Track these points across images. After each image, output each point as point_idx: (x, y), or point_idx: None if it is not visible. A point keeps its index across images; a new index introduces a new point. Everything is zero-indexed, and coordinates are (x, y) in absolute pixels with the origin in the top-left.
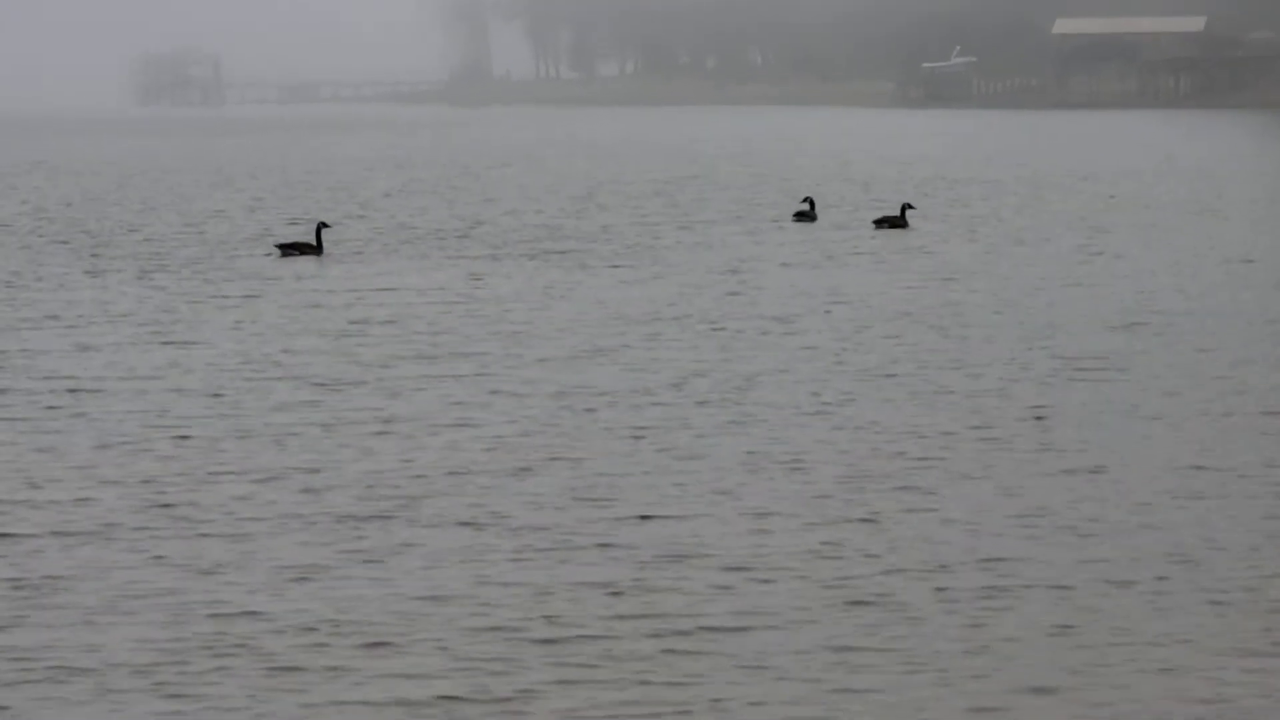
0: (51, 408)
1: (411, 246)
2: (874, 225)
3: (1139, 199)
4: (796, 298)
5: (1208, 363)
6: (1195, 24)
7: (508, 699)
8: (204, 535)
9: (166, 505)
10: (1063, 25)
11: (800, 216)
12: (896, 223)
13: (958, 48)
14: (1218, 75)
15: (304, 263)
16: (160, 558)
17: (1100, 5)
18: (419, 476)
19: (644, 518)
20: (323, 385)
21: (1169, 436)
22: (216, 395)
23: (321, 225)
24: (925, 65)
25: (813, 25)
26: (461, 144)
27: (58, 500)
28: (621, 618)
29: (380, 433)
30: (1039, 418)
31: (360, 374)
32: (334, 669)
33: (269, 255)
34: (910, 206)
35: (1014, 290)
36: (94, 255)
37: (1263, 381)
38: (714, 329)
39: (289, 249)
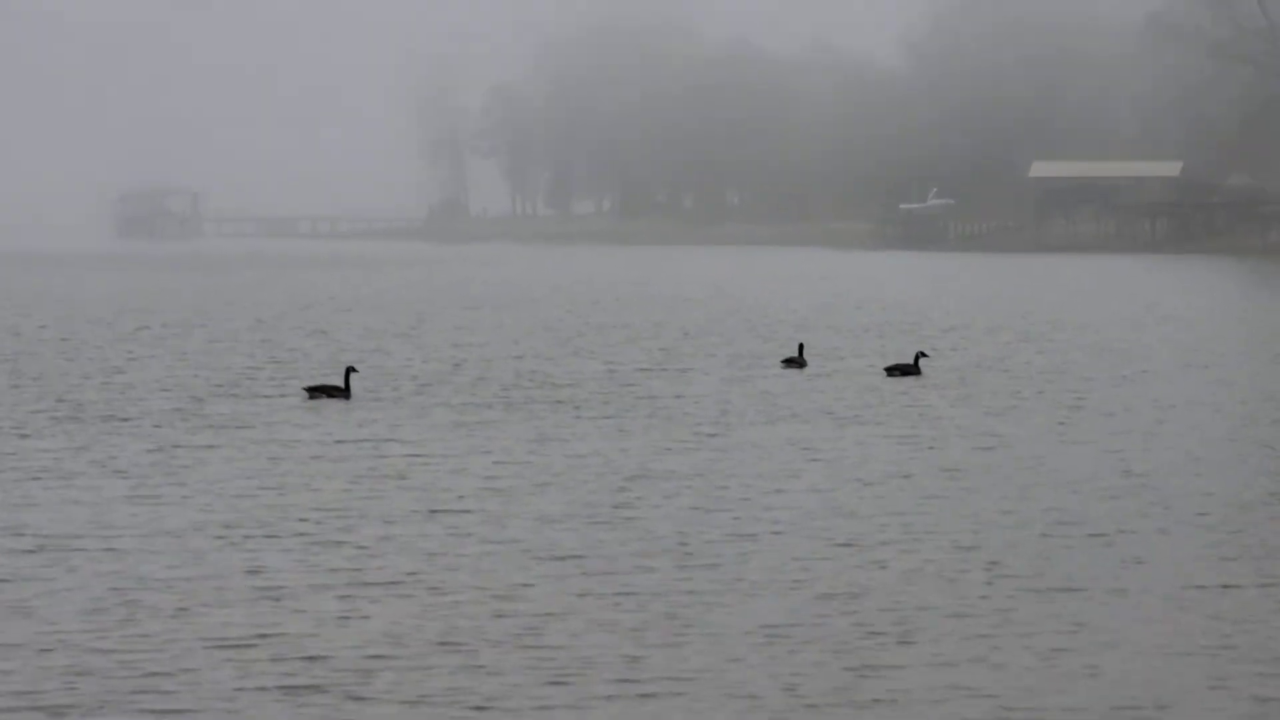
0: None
1: (392, 390)
2: (886, 372)
3: (1126, 348)
4: (793, 450)
5: (1205, 529)
6: (1172, 169)
7: None
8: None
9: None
10: (1040, 168)
11: (789, 363)
12: (909, 370)
13: (934, 189)
14: (1194, 220)
15: (333, 406)
16: None
17: (1077, 149)
18: (405, 646)
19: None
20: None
21: (1162, 610)
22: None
23: (350, 369)
24: (902, 206)
25: (790, 166)
26: (439, 283)
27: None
28: None
29: (383, 593)
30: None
31: (355, 527)
32: None
33: (295, 397)
34: (924, 355)
35: (1018, 447)
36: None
37: (1261, 546)
38: (717, 488)
39: (317, 391)
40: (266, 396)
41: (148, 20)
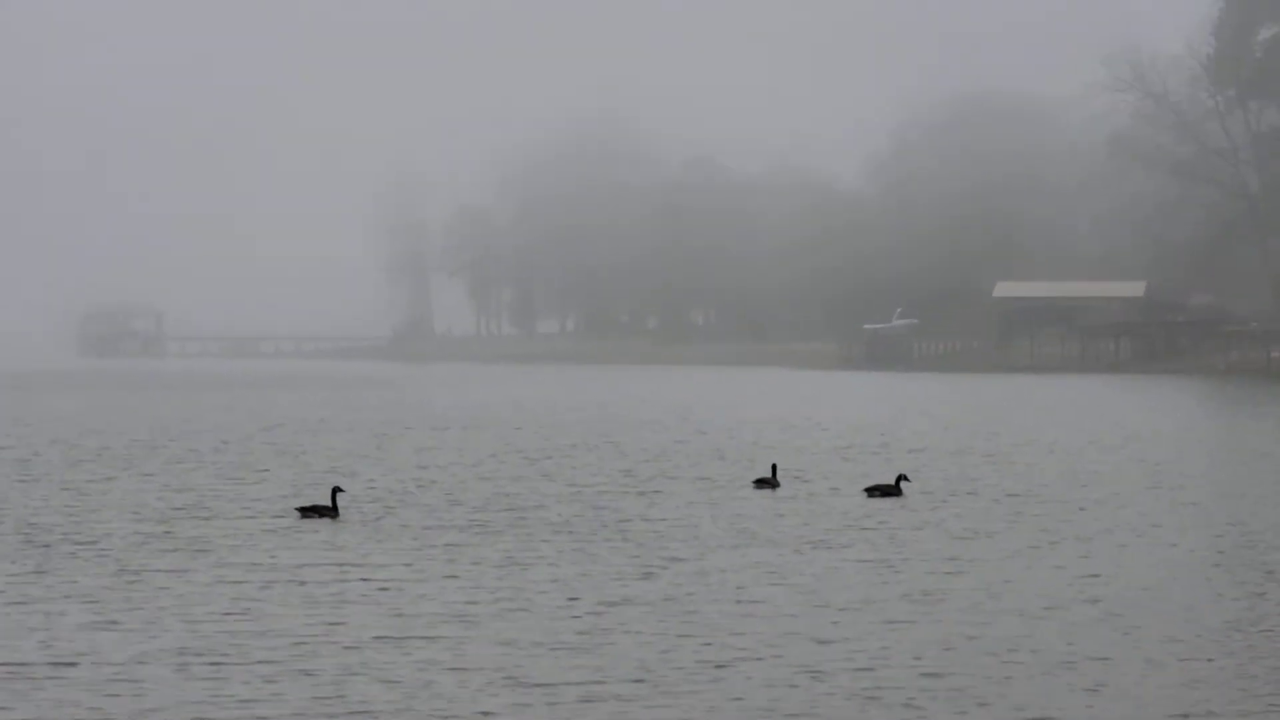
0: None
1: (359, 514)
2: (866, 493)
3: (1096, 469)
4: (764, 574)
5: (1174, 657)
6: (1136, 289)
7: None
8: None
9: None
10: (1003, 289)
11: (761, 483)
12: (890, 491)
13: (899, 309)
14: (1158, 341)
15: (321, 524)
16: None
17: (1041, 270)
18: None
19: None
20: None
21: None
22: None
23: (336, 490)
24: (866, 326)
25: (754, 286)
26: (405, 403)
27: None
28: None
29: None
30: None
31: (318, 654)
32: None
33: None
34: (905, 477)
35: (988, 571)
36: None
37: (1234, 673)
38: (687, 612)
39: (309, 512)
40: (232, 519)
41: (118, 134)
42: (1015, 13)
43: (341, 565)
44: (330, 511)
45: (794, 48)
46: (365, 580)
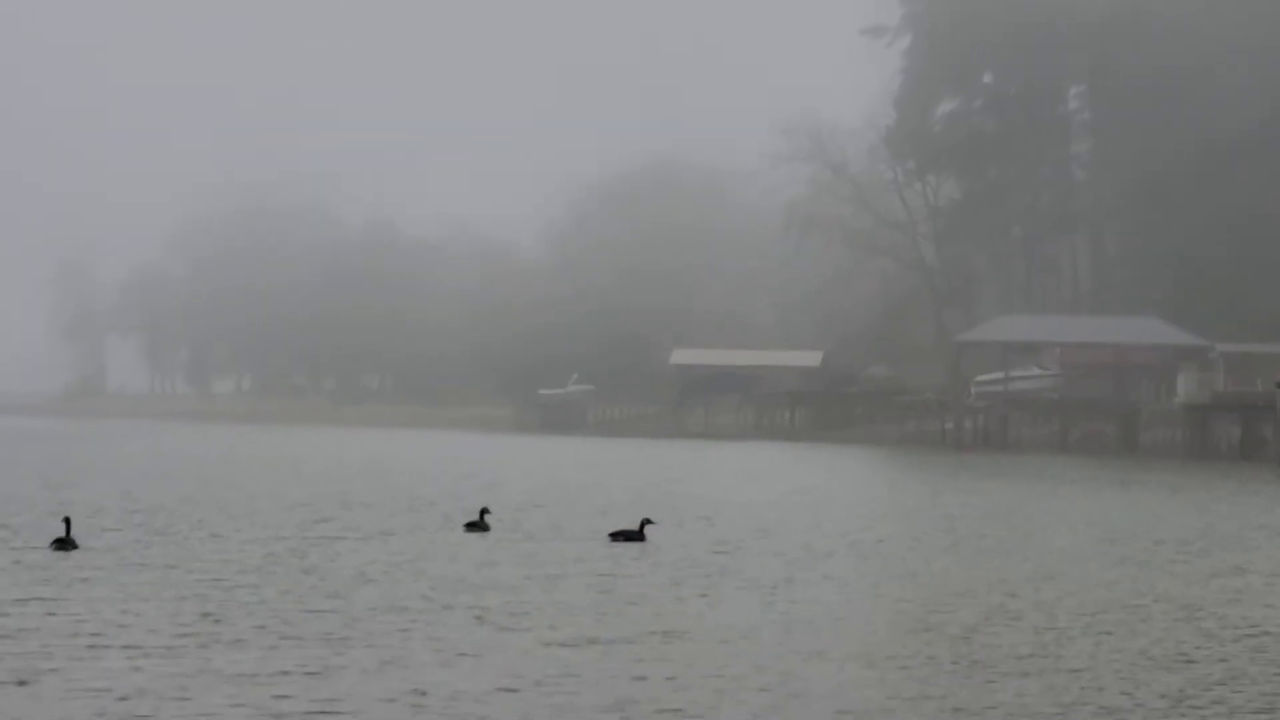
0: None
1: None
2: (610, 538)
3: (783, 526)
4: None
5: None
6: (812, 359)
7: None
8: None
9: None
10: (680, 356)
11: (471, 526)
12: (634, 536)
13: (575, 375)
14: (833, 410)
15: None
16: None
17: (719, 338)
18: None
19: None
20: None
21: None
22: None
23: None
24: (542, 391)
25: (431, 350)
26: (75, 459)
27: None
28: None
29: None
30: None
31: None
32: None
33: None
34: (649, 521)
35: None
36: None
37: None
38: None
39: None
40: None
41: None
42: (698, 82)
43: None
44: (70, 543)
45: (475, 113)
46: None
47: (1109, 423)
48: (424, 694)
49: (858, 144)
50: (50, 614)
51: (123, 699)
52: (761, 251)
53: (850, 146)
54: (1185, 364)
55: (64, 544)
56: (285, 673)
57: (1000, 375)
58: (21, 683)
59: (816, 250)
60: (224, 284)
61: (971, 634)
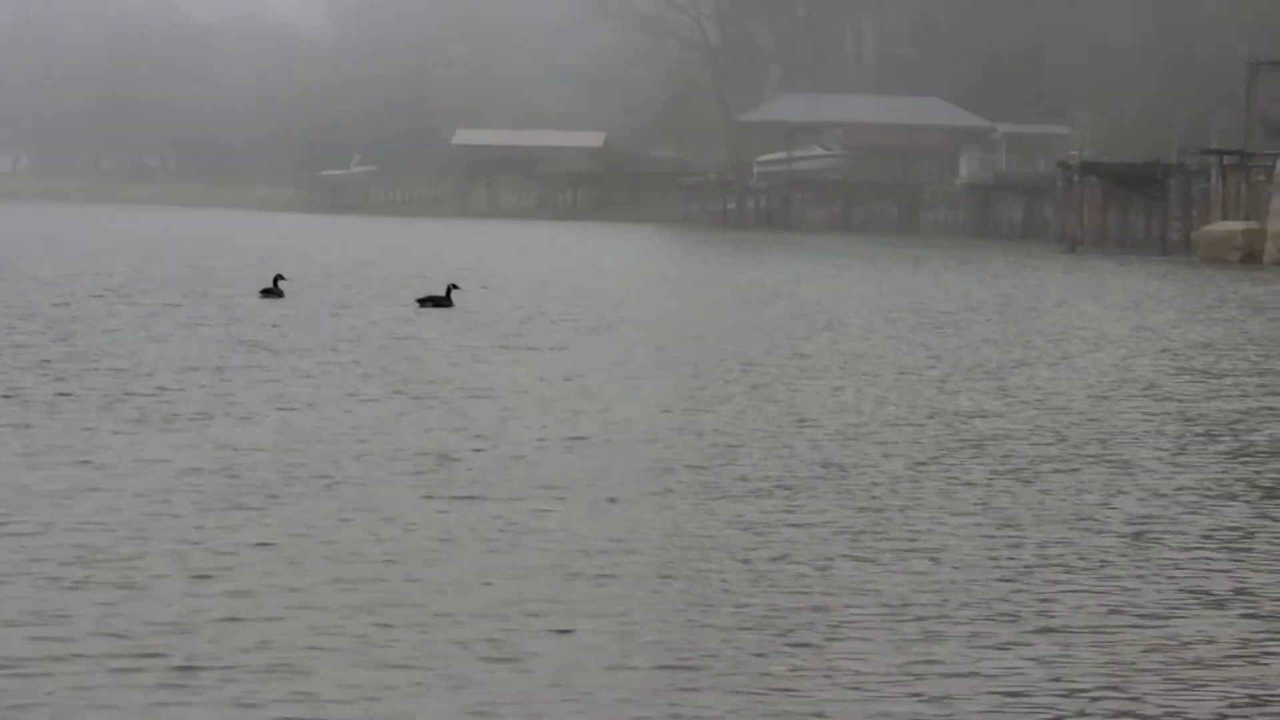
0: None
1: None
2: (419, 304)
3: (590, 297)
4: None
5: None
6: (595, 139)
7: None
8: None
9: None
10: (464, 137)
11: (267, 293)
12: (441, 302)
13: (357, 156)
14: (616, 190)
15: None
16: None
17: (507, 120)
18: None
19: None
20: None
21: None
22: None
23: None
24: (325, 173)
25: (212, 131)
26: None
27: None
28: None
29: None
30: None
31: None
32: None
33: None
34: (455, 286)
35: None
36: None
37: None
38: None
39: None
40: None
41: None
42: None
43: None
44: None
45: None
46: None
47: (891, 203)
48: (235, 449)
49: None
50: None
51: None
52: (550, 37)
53: None
54: (968, 145)
55: None
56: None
57: (783, 155)
58: None
59: (604, 34)
60: None
61: (755, 388)
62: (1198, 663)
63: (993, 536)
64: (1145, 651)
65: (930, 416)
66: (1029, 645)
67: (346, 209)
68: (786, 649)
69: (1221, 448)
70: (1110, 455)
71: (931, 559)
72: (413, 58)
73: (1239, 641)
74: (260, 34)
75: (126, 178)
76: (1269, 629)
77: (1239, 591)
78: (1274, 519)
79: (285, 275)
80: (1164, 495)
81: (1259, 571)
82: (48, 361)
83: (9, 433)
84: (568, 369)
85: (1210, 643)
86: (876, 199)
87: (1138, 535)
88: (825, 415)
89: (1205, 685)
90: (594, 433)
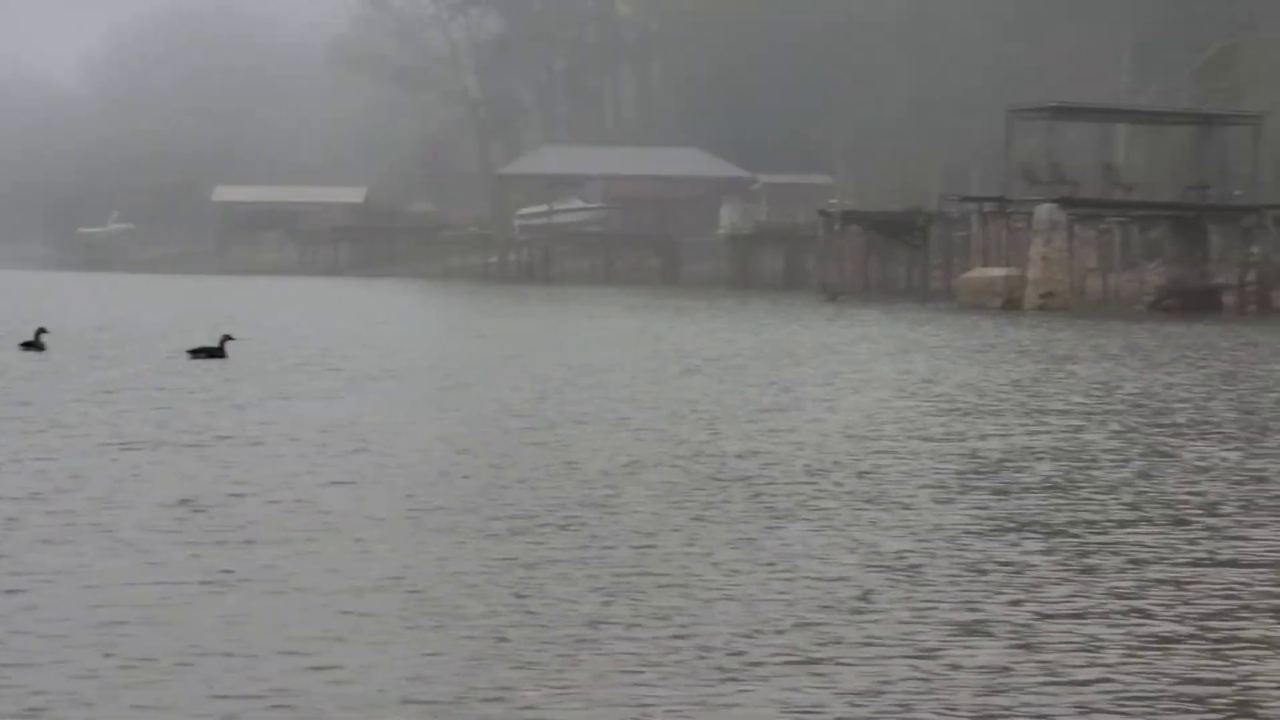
0: None
1: None
2: (190, 355)
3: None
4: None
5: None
6: (356, 195)
7: None
8: None
9: None
10: (223, 193)
11: (28, 345)
12: (215, 352)
13: (115, 213)
14: (378, 245)
15: None
16: None
17: (266, 176)
18: None
19: None
20: None
21: None
22: None
23: None
24: (81, 230)
25: None
26: None
27: None
28: None
29: None
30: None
31: None
32: None
33: None
34: (230, 338)
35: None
36: None
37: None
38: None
39: None
40: None
41: None
42: None
43: None
44: None
45: None
46: None
47: (652, 255)
48: None
49: None
50: None
51: None
52: (306, 89)
53: None
54: (729, 195)
55: None
56: None
57: (544, 209)
58: None
59: (362, 87)
60: None
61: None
62: (965, 688)
63: (753, 571)
64: (910, 679)
65: (694, 457)
66: (790, 677)
67: (103, 266)
68: (540, 680)
69: (988, 484)
70: (875, 492)
71: (689, 594)
72: (168, 113)
73: (1000, 669)
74: (10, 91)
75: None
76: (1032, 659)
77: (1001, 622)
78: (1037, 553)
79: (46, 329)
80: (934, 530)
81: (1021, 605)
82: None
83: None
84: (339, 416)
85: (978, 670)
86: (638, 251)
87: (907, 568)
88: (592, 457)
89: (980, 713)
90: (365, 476)
